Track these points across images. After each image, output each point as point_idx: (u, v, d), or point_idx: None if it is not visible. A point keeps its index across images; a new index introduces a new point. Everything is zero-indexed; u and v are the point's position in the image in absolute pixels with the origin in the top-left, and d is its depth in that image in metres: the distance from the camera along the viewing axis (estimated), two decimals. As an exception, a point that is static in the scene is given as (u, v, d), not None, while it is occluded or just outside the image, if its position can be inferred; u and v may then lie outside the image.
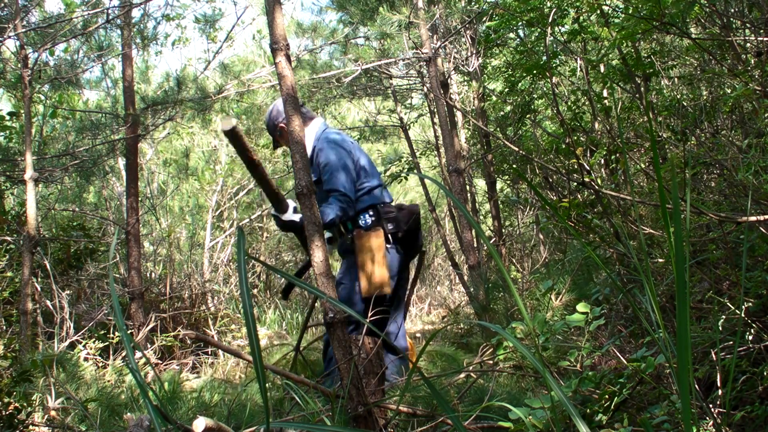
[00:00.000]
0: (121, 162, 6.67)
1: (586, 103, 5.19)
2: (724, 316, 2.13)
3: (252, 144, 7.31)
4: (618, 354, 2.21)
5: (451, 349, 4.09)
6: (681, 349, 0.97)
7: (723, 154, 2.66)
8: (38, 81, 4.82)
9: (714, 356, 1.87)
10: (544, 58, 4.51)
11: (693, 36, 3.25)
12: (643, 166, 3.71)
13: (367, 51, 6.05)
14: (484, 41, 5.99)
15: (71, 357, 3.75)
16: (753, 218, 1.88)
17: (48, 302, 4.47)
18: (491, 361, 2.78)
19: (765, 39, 2.85)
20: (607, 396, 1.84)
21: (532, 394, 2.48)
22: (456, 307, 6.06)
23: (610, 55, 4.86)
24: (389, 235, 3.32)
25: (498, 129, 6.73)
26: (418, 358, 1.16)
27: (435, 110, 6.27)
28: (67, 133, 5.45)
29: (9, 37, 4.41)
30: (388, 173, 7.11)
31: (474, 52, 6.20)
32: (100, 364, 4.03)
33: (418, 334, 6.02)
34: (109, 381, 3.68)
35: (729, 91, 3.39)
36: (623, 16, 3.71)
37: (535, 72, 4.64)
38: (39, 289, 4.55)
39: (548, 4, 4.29)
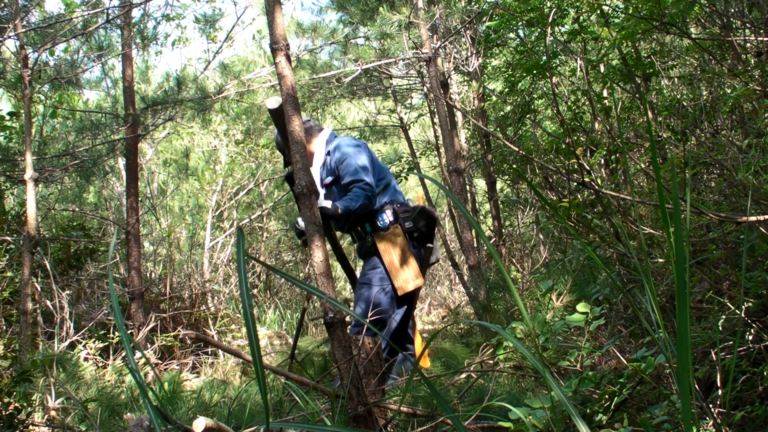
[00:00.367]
0: (121, 162, 6.67)
1: (586, 103, 5.19)
2: (724, 316, 2.13)
3: (251, 144, 7.31)
4: (618, 354, 2.21)
5: (448, 343, 4.10)
6: (681, 349, 0.97)
7: (723, 154, 2.66)
8: (38, 81, 4.82)
9: (714, 356, 1.87)
10: (544, 58, 4.51)
11: (693, 36, 3.25)
12: (643, 166, 3.71)
13: (367, 51, 6.05)
14: (484, 41, 5.99)
15: (71, 357, 3.75)
16: (753, 218, 1.88)
17: (48, 302, 4.47)
18: (491, 361, 2.78)
19: (765, 39, 2.85)
20: (607, 396, 1.84)
21: (532, 394, 2.48)
22: (456, 307, 6.05)
23: (610, 55, 4.86)
24: (406, 233, 3.34)
25: (498, 129, 6.73)
26: (419, 358, 1.16)
27: (435, 110, 6.27)
28: (67, 133, 5.45)
29: (9, 37, 4.41)
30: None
31: (474, 52, 6.20)
32: (100, 364, 4.03)
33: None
34: (109, 381, 3.68)
35: (729, 91, 3.39)
36: (623, 16, 3.71)
37: (535, 72, 4.64)
38: (39, 289, 4.55)
39: (548, 4, 4.29)
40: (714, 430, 1.60)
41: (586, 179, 2.31)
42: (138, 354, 3.95)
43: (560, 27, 5.08)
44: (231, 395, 3.19)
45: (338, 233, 3.66)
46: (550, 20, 3.89)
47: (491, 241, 6.25)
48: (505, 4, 4.92)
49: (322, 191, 3.26)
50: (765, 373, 1.84)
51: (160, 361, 4.60)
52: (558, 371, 2.36)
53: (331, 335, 2.06)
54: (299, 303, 6.97)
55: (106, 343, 4.31)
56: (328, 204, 3.15)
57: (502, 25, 5.01)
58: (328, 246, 2.86)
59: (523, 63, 4.89)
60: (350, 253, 8.16)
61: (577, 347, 2.32)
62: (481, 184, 8.32)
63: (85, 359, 3.93)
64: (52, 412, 2.79)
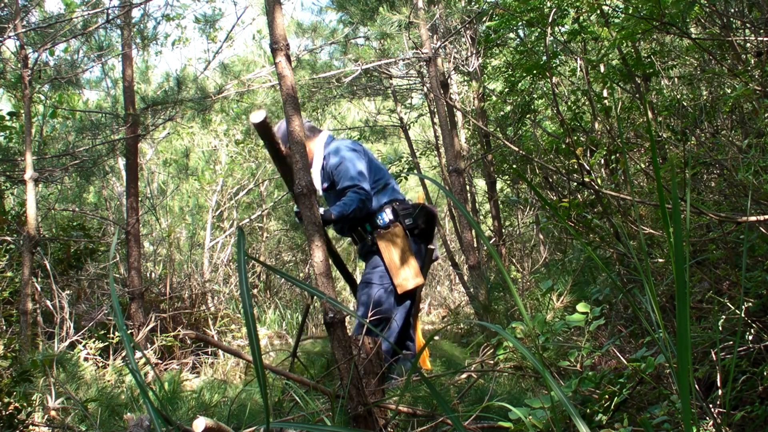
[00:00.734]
0: (121, 162, 6.67)
1: (586, 103, 5.19)
2: (724, 316, 2.13)
3: (252, 144, 7.31)
4: (618, 354, 2.21)
5: (447, 344, 4.11)
6: (681, 349, 0.97)
7: (723, 154, 2.65)
8: (38, 81, 4.82)
9: (714, 356, 1.87)
10: (544, 58, 4.51)
11: (693, 36, 3.25)
12: (643, 166, 3.71)
13: (367, 51, 6.05)
14: (484, 41, 5.99)
15: (71, 357, 3.75)
16: (753, 218, 1.88)
17: (48, 302, 4.47)
18: (491, 361, 2.78)
19: (765, 39, 2.85)
20: (607, 396, 1.84)
21: (532, 394, 2.48)
22: (456, 307, 6.06)
23: (610, 55, 4.86)
24: (407, 231, 3.35)
25: (498, 129, 6.73)
26: (417, 357, 1.16)
27: (435, 110, 6.27)
28: (67, 133, 5.45)
29: (9, 37, 4.41)
30: (388, 173, 7.10)
31: (474, 52, 6.20)
32: (100, 364, 4.03)
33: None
34: (109, 381, 3.68)
35: (729, 91, 3.39)
36: (623, 16, 3.71)
37: (535, 72, 4.64)
38: (39, 289, 4.55)
39: (548, 4, 4.29)
40: (714, 430, 1.60)
41: (586, 179, 2.31)
42: (138, 354, 3.95)
43: (560, 27, 5.08)
44: (231, 395, 3.19)
45: (335, 236, 3.65)
46: (550, 20, 3.88)
47: (491, 241, 6.25)
48: (505, 4, 4.92)
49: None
50: (765, 373, 1.84)
51: (160, 361, 4.60)
52: (558, 371, 2.36)
53: (331, 335, 2.06)
54: (299, 303, 6.97)
55: (106, 343, 4.31)
56: (321, 211, 3.15)
57: (502, 25, 5.01)
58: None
59: (523, 63, 4.89)
60: (351, 254, 8.16)
61: (577, 347, 2.32)
62: (481, 184, 8.32)
63: (85, 359, 3.93)
64: (52, 412, 2.79)
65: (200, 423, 1.64)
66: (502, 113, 6.87)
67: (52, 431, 2.66)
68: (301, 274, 7.84)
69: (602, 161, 4.44)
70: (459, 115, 7.14)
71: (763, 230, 2.08)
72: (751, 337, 2.01)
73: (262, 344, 5.38)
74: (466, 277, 5.81)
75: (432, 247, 3.45)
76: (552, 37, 4.85)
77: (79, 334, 4.27)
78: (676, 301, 1.00)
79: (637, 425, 1.77)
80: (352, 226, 3.43)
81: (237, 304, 6.08)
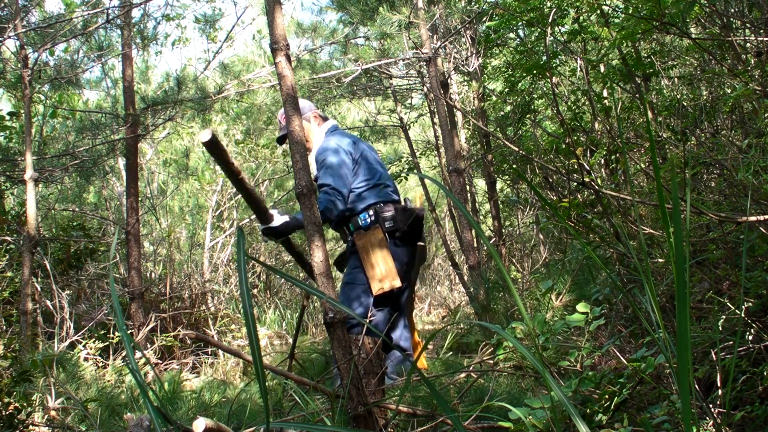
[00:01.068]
0: (121, 162, 6.67)
1: (586, 103, 5.19)
2: (724, 316, 2.13)
3: (251, 144, 7.31)
4: (618, 354, 2.21)
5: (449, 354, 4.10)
6: (681, 349, 0.97)
7: (723, 154, 2.65)
8: (38, 81, 4.82)
9: (714, 356, 1.87)
10: (544, 58, 4.51)
11: (693, 36, 3.25)
12: (643, 166, 3.71)
13: (367, 51, 6.05)
14: (484, 41, 5.99)
15: (71, 357, 3.75)
16: (753, 218, 1.88)
17: (48, 302, 4.47)
18: (491, 361, 2.78)
19: (765, 39, 2.85)
20: (607, 396, 1.84)
21: (532, 394, 2.48)
22: (456, 307, 6.06)
23: (610, 55, 4.86)
24: (386, 233, 3.32)
25: (498, 129, 6.73)
26: (417, 358, 1.16)
27: (435, 110, 6.27)
28: (67, 133, 5.45)
29: (9, 37, 4.41)
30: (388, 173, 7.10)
31: (474, 52, 6.20)
32: (100, 364, 4.03)
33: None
34: (109, 381, 3.68)
35: (729, 91, 3.39)
36: (623, 16, 3.71)
37: (535, 72, 4.64)
38: (39, 289, 4.55)
39: (548, 4, 4.28)
40: (714, 430, 1.60)
41: (586, 179, 2.31)
42: (138, 354, 3.95)
43: (560, 27, 5.08)
44: (231, 395, 3.19)
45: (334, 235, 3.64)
46: (550, 20, 3.88)
47: (491, 241, 6.25)
48: (505, 4, 4.92)
49: (275, 211, 3.21)
50: (765, 373, 1.84)
51: (160, 361, 4.60)
52: (558, 371, 2.36)
53: (331, 335, 2.06)
54: (299, 303, 6.97)
55: (106, 343, 4.31)
56: (278, 223, 3.12)
57: (502, 25, 5.01)
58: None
59: (523, 63, 4.89)
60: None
61: (577, 347, 2.32)
62: (481, 184, 8.32)
63: (85, 359, 3.93)
64: (52, 412, 2.79)
65: (200, 424, 1.64)
66: (502, 113, 6.87)
67: (52, 431, 2.66)
68: (301, 274, 7.84)
69: (602, 161, 4.44)
70: (459, 115, 7.14)
71: (763, 230, 2.08)
72: (751, 337, 2.01)
73: (262, 344, 5.38)
74: (466, 277, 5.81)
75: (422, 244, 3.43)
76: (552, 37, 4.85)
77: (79, 334, 4.27)
78: (676, 301, 1.00)
79: (637, 425, 1.77)
80: (338, 224, 3.43)
81: (237, 304, 6.08)
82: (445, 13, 5.76)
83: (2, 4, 4.97)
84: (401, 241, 3.37)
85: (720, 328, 2.09)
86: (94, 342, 4.16)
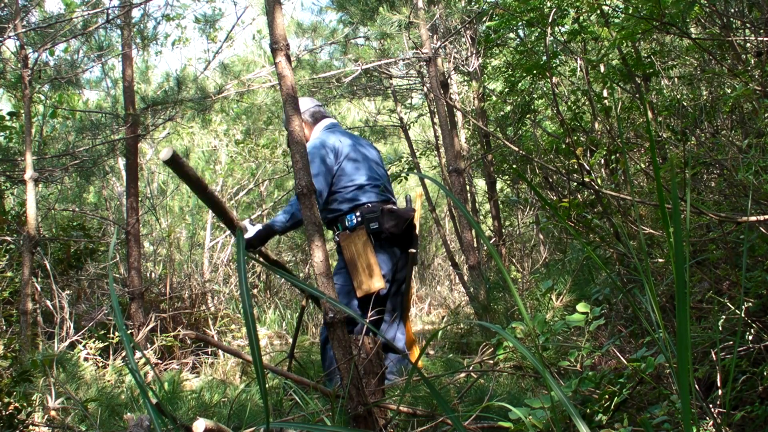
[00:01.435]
0: (121, 162, 6.67)
1: (586, 103, 5.19)
2: (724, 316, 2.13)
3: (251, 144, 7.31)
4: (618, 354, 2.21)
5: (449, 355, 4.10)
6: (681, 349, 0.97)
7: (723, 154, 2.65)
8: (38, 81, 4.82)
9: (714, 356, 1.87)
10: (544, 58, 4.51)
11: (693, 36, 3.25)
12: (643, 166, 3.71)
13: (367, 51, 6.06)
14: (484, 41, 5.99)
15: (71, 357, 3.75)
16: (753, 218, 1.88)
17: (48, 302, 4.47)
18: (491, 361, 2.78)
19: (765, 39, 2.85)
20: (607, 396, 1.84)
21: (532, 394, 2.48)
22: (456, 307, 6.06)
23: (610, 55, 4.86)
24: (371, 235, 3.29)
25: (498, 129, 6.73)
26: (418, 358, 1.16)
27: (435, 110, 6.27)
28: (67, 133, 5.45)
29: (9, 37, 4.41)
30: (388, 173, 7.10)
31: (474, 52, 6.20)
32: (100, 364, 4.03)
33: (418, 335, 6.02)
34: (109, 381, 3.68)
35: (729, 91, 3.39)
36: (623, 16, 3.71)
37: (535, 72, 4.64)
38: (39, 289, 4.55)
39: (548, 4, 4.28)
40: (714, 430, 1.60)
41: (586, 179, 2.31)
42: (138, 354, 3.95)
43: (560, 27, 5.08)
44: (231, 395, 3.19)
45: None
46: (550, 20, 3.88)
47: (491, 241, 6.25)
48: (505, 4, 4.92)
49: (246, 222, 3.20)
50: (765, 373, 1.84)
51: (160, 361, 4.60)
52: (558, 371, 2.36)
53: (331, 335, 2.06)
54: (299, 303, 6.97)
55: (106, 343, 4.31)
56: (251, 233, 3.11)
57: (502, 25, 5.01)
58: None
59: (523, 63, 4.89)
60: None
61: (577, 347, 2.32)
62: (481, 184, 8.32)
63: (85, 359, 3.93)
64: (52, 412, 2.79)
65: (200, 425, 1.64)
66: (502, 113, 6.87)
67: (52, 431, 2.66)
68: (301, 274, 7.84)
69: (602, 161, 4.44)
70: (459, 115, 7.14)
71: (763, 230, 2.08)
72: (751, 337, 2.01)
73: (262, 344, 5.38)
74: (466, 277, 5.81)
75: (413, 250, 3.40)
76: (552, 37, 4.85)
77: (79, 334, 4.27)
78: (676, 301, 1.00)
79: (637, 425, 1.77)
80: (328, 224, 3.43)
81: (237, 304, 6.08)
82: (445, 13, 5.76)
83: (2, 4, 4.97)
84: (388, 243, 3.34)
85: (720, 328, 2.09)
86: (94, 342, 4.16)
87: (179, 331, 4.91)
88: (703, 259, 2.39)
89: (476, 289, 4.83)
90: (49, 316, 4.50)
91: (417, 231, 3.47)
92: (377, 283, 3.22)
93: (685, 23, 3.26)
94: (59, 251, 5.15)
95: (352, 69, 5.77)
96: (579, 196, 3.29)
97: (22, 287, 4.11)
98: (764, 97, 2.63)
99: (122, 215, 6.31)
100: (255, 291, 7.18)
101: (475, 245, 5.52)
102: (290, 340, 5.51)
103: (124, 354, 4.25)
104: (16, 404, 2.39)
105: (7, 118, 5.32)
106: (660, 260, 2.67)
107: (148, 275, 6.04)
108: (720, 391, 1.75)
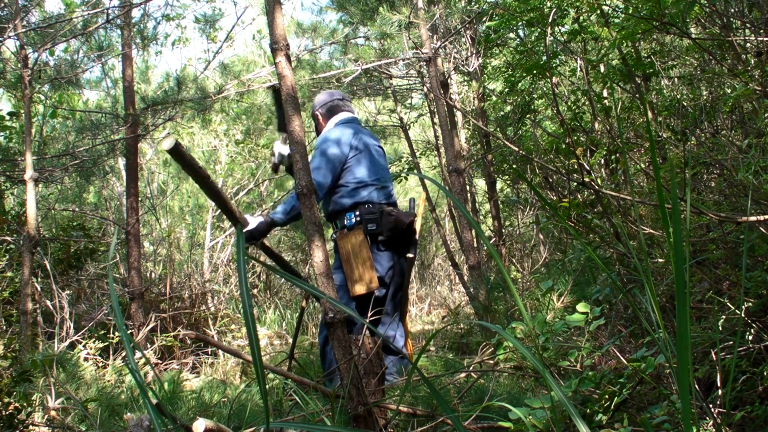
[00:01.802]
0: (121, 162, 6.67)
1: (586, 103, 5.19)
2: (724, 316, 2.13)
3: (251, 144, 7.31)
4: (618, 354, 2.21)
5: (449, 355, 4.09)
6: (681, 349, 0.97)
7: (723, 154, 2.65)
8: (38, 81, 4.82)
9: (714, 356, 1.87)
10: (544, 58, 4.51)
11: (693, 36, 3.25)
12: (643, 166, 3.71)
13: (367, 51, 6.06)
14: (484, 41, 5.99)
15: (71, 357, 3.75)
16: (753, 218, 1.88)
17: (48, 302, 4.47)
18: (491, 361, 2.78)
19: (765, 39, 2.85)
20: (607, 396, 1.84)
21: (532, 394, 2.48)
22: (456, 307, 6.06)
23: (610, 55, 4.86)
24: (368, 236, 3.28)
25: (498, 129, 6.73)
26: (417, 358, 1.16)
27: (435, 110, 6.27)
28: (67, 133, 5.45)
29: (9, 37, 4.41)
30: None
31: (474, 52, 6.20)
32: (100, 364, 4.03)
33: (418, 335, 6.02)
34: (109, 381, 3.68)
35: (729, 91, 3.39)
36: (623, 16, 3.71)
37: (535, 72, 4.64)
38: (39, 289, 4.55)
39: (548, 4, 4.29)
40: (714, 430, 1.60)
41: (586, 179, 2.31)
42: (138, 354, 3.95)
43: (560, 27, 5.08)
44: (231, 395, 3.19)
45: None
46: (550, 20, 3.88)
47: (491, 241, 6.25)
48: (505, 4, 4.92)
49: (248, 216, 3.19)
50: (765, 373, 1.84)
51: (160, 361, 4.60)
52: (558, 371, 2.36)
53: (331, 335, 2.06)
54: (299, 303, 6.97)
55: (106, 343, 4.31)
56: (253, 225, 3.10)
57: (502, 25, 5.01)
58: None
59: (523, 63, 4.89)
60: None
61: (577, 347, 2.32)
62: (481, 184, 8.32)
63: (85, 359, 3.93)
64: (52, 412, 2.79)
65: (200, 425, 1.64)
66: (502, 113, 6.88)
67: (52, 431, 2.66)
68: (301, 274, 7.84)
69: (602, 161, 4.44)
70: (459, 115, 7.14)
71: (763, 230, 2.08)
72: (751, 337, 2.01)
73: (262, 344, 5.38)
74: (466, 277, 5.81)
75: (410, 255, 3.37)
76: (552, 37, 4.85)
77: (79, 334, 4.27)
78: (676, 301, 1.00)
79: (637, 425, 1.77)
80: (329, 218, 3.43)
81: (237, 304, 6.08)
82: (445, 13, 5.76)
83: (2, 4, 4.97)
84: (385, 246, 3.32)
85: (720, 328, 2.09)
86: (94, 342, 4.16)
87: (179, 331, 4.91)
88: (703, 259, 2.39)
89: (476, 289, 4.82)
90: (49, 316, 4.50)
91: (417, 236, 3.44)
92: (372, 285, 3.21)
93: (685, 23, 3.26)
94: (59, 251, 5.15)
95: (352, 69, 5.77)
96: (579, 196, 3.29)
97: (22, 287, 4.11)
98: (764, 97, 2.63)
99: (122, 215, 6.31)
100: (255, 291, 7.18)
101: (475, 245, 5.52)
102: (290, 340, 5.51)
103: (124, 354, 4.25)
104: (16, 404, 2.39)
105: (7, 118, 5.32)
106: (660, 260, 2.67)
107: (148, 275, 6.04)
108: (720, 391, 1.75)
